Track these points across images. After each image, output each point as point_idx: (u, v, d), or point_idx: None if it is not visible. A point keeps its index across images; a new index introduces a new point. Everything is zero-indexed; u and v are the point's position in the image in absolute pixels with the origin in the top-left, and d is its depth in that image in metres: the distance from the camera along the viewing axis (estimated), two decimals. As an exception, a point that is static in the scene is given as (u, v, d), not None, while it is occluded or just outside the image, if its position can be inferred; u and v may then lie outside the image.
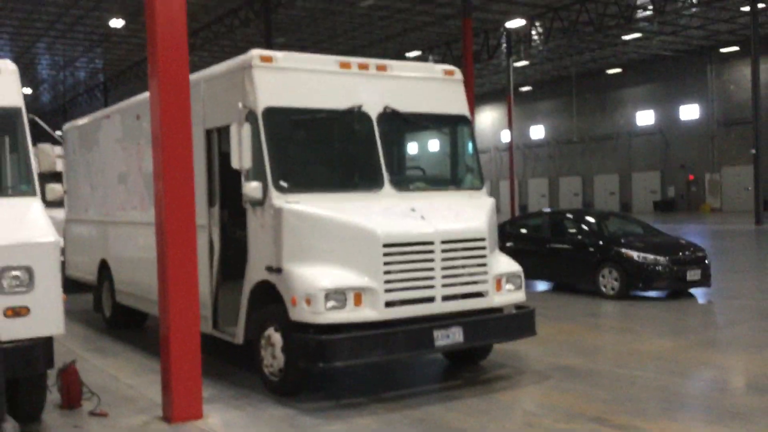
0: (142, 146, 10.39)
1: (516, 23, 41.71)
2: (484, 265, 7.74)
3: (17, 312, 6.24)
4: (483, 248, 7.75)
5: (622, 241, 14.37)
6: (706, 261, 14.28)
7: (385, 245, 7.23)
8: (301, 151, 8.33)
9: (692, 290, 14.58)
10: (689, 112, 55.82)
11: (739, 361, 9.25)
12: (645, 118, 58.91)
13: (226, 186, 8.66)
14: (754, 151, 37.55)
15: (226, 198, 8.69)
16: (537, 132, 67.48)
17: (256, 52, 7.93)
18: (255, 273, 7.86)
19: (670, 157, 57.27)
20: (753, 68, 37.63)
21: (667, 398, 7.51)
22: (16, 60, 47.87)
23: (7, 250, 6.27)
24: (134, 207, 10.86)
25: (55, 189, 7.98)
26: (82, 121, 13.27)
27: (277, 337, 7.51)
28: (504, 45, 45.83)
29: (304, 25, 42.58)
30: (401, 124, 8.54)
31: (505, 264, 8.12)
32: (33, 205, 7.12)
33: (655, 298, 14.25)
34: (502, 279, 7.96)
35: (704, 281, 14.14)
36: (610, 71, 59.76)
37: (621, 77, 59.73)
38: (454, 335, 7.46)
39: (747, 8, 39.49)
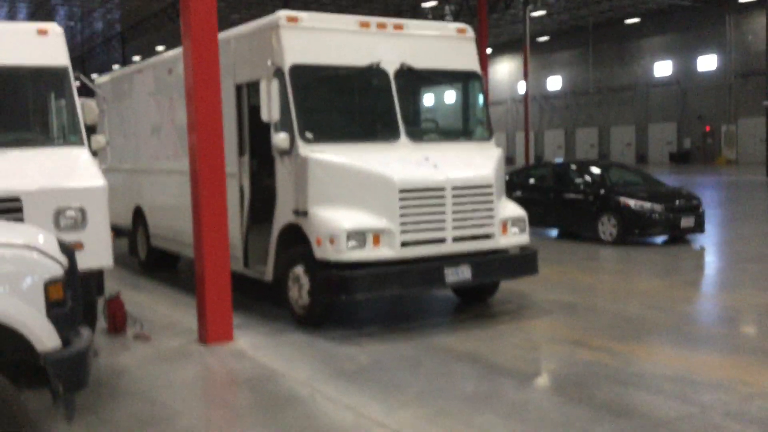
0: (175, 99, 11.19)
1: (534, -28, 41.89)
2: (491, 209, 8.54)
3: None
4: (490, 194, 8.54)
5: (621, 190, 15.17)
6: (700, 209, 15.11)
7: (401, 191, 8.03)
8: (325, 104, 9.10)
9: (689, 236, 15.45)
10: (707, 62, 55.89)
11: (716, 298, 10.25)
12: (663, 68, 59.00)
13: (255, 137, 9.47)
14: (766, 102, 37.87)
15: (254, 148, 9.51)
16: (554, 83, 67.67)
17: (282, 13, 8.66)
18: (283, 216, 8.71)
19: (687, 109, 57.48)
20: (767, 19, 37.75)
21: (643, 327, 8.46)
22: (34, 12, 48.60)
23: (63, 192, 7.18)
24: (168, 156, 11.71)
25: (99, 140, 8.69)
26: (114, 75, 14.06)
27: (303, 274, 8.37)
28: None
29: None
30: (416, 79, 9.27)
31: (510, 209, 8.92)
32: (82, 154, 8.04)
33: (652, 243, 15.12)
34: (507, 223, 8.77)
35: (698, 228, 14.99)
36: (628, 21, 59.70)
37: (639, 27, 59.67)
38: (463, 272, 8.31)
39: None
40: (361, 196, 8.14)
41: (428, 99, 9.86)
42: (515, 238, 8.88)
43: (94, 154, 8.88)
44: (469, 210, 8.41)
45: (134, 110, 13.04)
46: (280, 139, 8.42)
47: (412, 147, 8.78)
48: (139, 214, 12.92)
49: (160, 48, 63.49)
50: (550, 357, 7.54)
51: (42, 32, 8.36)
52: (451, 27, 9.61)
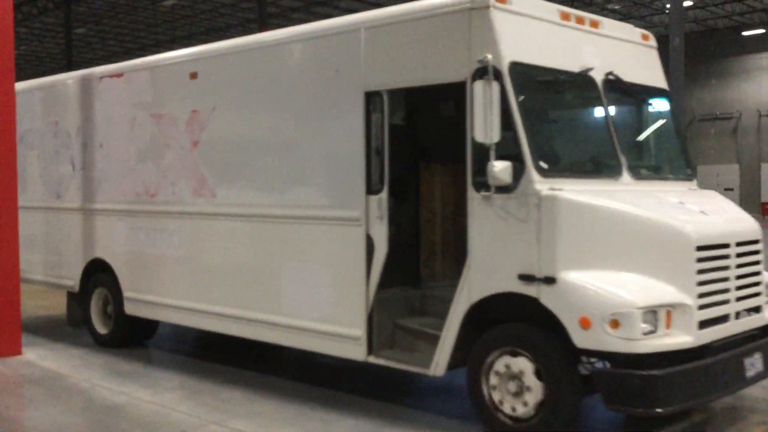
0: (204, 113, 7.45)
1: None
2: (761, 272, 5.85)
3: None
4: (760, 252, 5.86)
5: None
6: None
7: (699, 248, 5.14)
8: (548, 123, 5.96)
9: None
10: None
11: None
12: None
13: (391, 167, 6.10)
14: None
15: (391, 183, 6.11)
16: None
17: (487, -11, 5.46)
18: (484, 282, 5.43)
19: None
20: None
21: None
22: None
23: None
24: (175, 193, 7.80)
25: None
26: (52, 81, 9.65)
27: (531, 371, 5.18)
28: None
29: (106, 17, 38.11)
30: (621, 95, 6.37)
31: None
32: None
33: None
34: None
35: None
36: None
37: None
38: (757, 363, 5.52)
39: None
40: (635, 256, 5.12)
41: (632, 122, 6.91)
42: (769, 310, 6.21)
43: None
44: (746, 274, 5.66)
45: (96, 129, 8.79)
46: (500, 169, 5.19)
47: (637, 186, 5.90)
48: (99, 271, 8.68)
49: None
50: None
51: None
52: (636, 31, 6.81)
